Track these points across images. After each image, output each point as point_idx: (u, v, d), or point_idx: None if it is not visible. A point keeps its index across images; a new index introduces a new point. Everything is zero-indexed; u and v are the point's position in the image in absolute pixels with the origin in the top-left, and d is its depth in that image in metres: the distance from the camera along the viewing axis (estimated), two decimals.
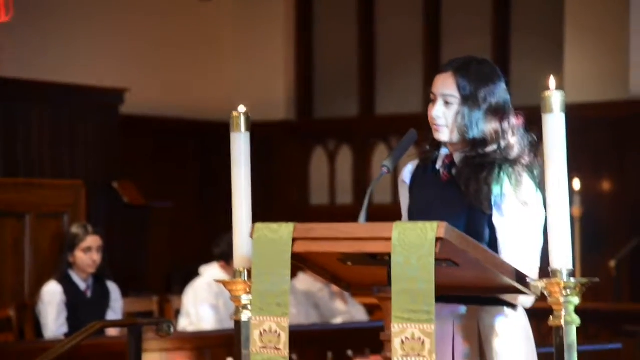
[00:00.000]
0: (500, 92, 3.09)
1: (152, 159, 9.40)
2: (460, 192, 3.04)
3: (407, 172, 3.21)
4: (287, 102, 10.16)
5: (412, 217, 3.12)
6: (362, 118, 9.92)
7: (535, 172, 3.05)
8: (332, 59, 10.16)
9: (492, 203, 3.01)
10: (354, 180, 9.79)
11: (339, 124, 9.94)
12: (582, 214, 7.90)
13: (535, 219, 3.00)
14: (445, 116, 3.08)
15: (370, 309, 7.62)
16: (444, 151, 3.15)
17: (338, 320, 7.55)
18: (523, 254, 2.98)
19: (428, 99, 3.14)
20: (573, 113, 7.99)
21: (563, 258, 2.57)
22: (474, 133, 3.06)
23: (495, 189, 3.01)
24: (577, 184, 7.96)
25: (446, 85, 3.07)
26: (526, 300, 2.98)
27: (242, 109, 3.08)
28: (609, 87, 8.46)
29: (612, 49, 8.50)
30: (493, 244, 3.02)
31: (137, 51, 9.44)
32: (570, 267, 2.58)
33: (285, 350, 2.79)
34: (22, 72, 8.44)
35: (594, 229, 8.07)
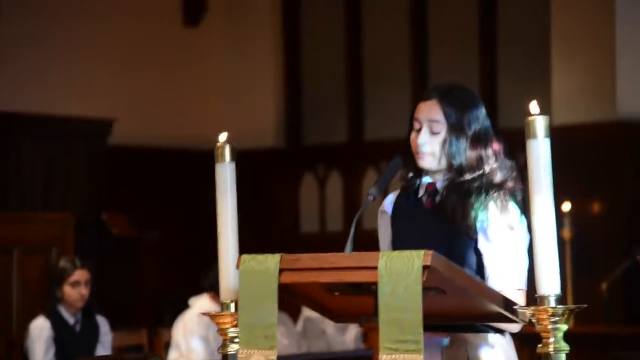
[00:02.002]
0: (482, 118, 3.10)
1: (141, 189, 9.36)
2: (444, 219, 3.04)
3: (388, 203, 3.20)
4: (276, 128, 10.15)
5: (397, 246, 3.11)
6: (351, 143, 9.91)
7: (519, 197, 3.05)
8: (321, 85, 10.16)
9: (478, 228, 3.00)
10: (344, 207, 9.77)
11: (328, 150, 9.92)
12: (573, 236, 7.87)
13: (521, 242, 3.00)
14: (431, 143, 3.07)
15: None
16: (425, 179, 3.14)
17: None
18: (511, 279, 2.98)
19: None
20: (562, 134, 7.98)
21: (551, 284, 2.55)
22: (460, 160, 3.06)
23: (482, 215, 3.01)
24: (567, 206, 7.94)
25: (432, 113, 3.07)
26: (513, 326, 2.96)
27: (223, 138, 3.05)
28: (597, 108, 8.46)
29: (599, 69, 8.51)
30: (479, 269, 3.01)
31: (124, 81, 9.42)
32: (558, 292, 2.56)
33: None
34: (7, 105, 8.42)
35: (585, 251, 8.05)
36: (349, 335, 7.70)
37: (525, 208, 3.00)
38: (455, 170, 3.07)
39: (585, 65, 8.55)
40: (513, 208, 3.03)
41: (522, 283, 2.99)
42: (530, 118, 2.58)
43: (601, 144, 8.33)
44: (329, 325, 7.62)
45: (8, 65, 8.62)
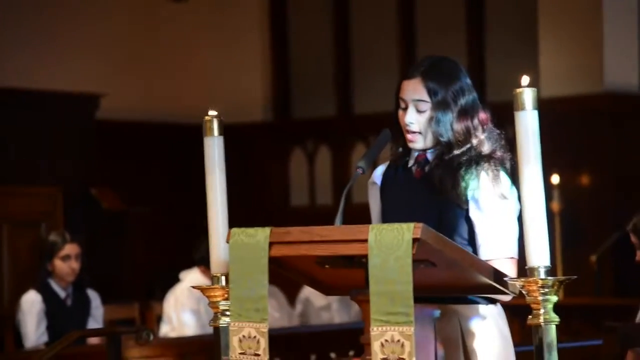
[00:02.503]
0: (467, 89, 3.09)
1: (130, 164, 9.35)
2: (433, 189, 3.04)
3: (377, 174, 3.21)
4: (265, 103, 10.13)
5: (387, 217, 3.12)
6: (340, 118, 9.91)
7: (508, 166, 3.06)
8: (309, 59, 10.15)
9: (469, 198, 3.01)
10: (333, 181, 9.78)
11: (317, 124, 9.92)
12: (562, 209, 7.90)
13: (512, 211, 3.01)
14: (419, 122, 3.08)
15: None
16: (416, 151, 3.14)
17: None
18: (503, 247, 3.00)
19: None
20: (550, 107, 7.97)
21: (540, 256, 2.56)
22: (448, 136, 3.06)
23: (472, 184, 3.02)
24: (555, 178, 7.96)
25: (417, 92, 3.07)
26: (504, 295, 2.97)
27: (213, 112, 3.05)
28: (584, 81, 8.47)
29: (586, 43, 8.51)
30: (471, 239, 3.02)
31: (111, 55, 9.39)
32: (548, 264, 2.57)
33: (265, 356, 2.77)
34: None
35: (574, 224, 8.07)
36: (354, 310, 7.71)
37: (514, 179, 3.02)
38: (444, 146, 3.08)
39: (573, 37, 8.55)
40: (504, 177, 3.04)
41: (514, 251, 3.01)
42: (518, 90, 2.59)
43: (589, 116, 8.35)
44: (334, 300, 7.63)
45: None
